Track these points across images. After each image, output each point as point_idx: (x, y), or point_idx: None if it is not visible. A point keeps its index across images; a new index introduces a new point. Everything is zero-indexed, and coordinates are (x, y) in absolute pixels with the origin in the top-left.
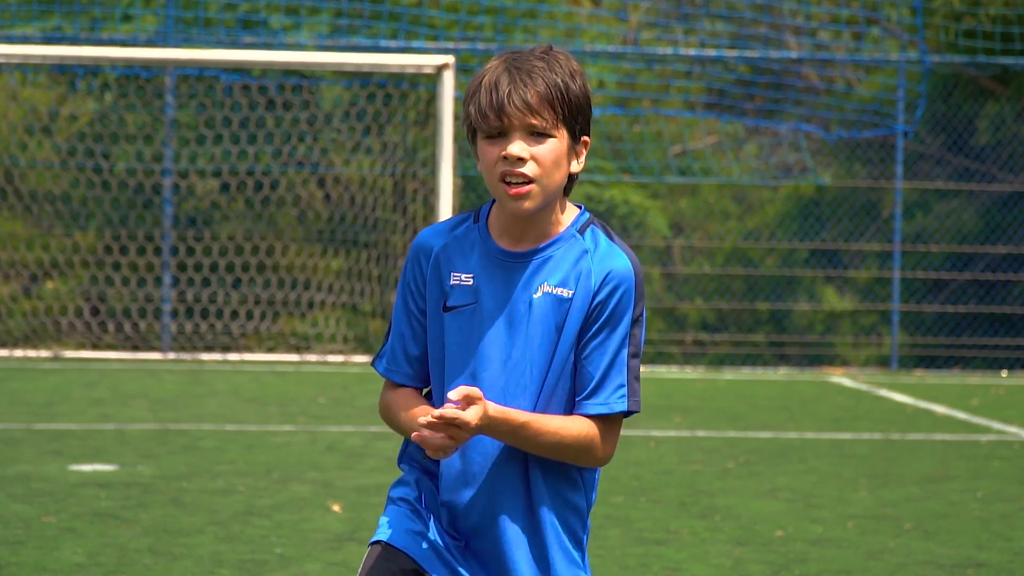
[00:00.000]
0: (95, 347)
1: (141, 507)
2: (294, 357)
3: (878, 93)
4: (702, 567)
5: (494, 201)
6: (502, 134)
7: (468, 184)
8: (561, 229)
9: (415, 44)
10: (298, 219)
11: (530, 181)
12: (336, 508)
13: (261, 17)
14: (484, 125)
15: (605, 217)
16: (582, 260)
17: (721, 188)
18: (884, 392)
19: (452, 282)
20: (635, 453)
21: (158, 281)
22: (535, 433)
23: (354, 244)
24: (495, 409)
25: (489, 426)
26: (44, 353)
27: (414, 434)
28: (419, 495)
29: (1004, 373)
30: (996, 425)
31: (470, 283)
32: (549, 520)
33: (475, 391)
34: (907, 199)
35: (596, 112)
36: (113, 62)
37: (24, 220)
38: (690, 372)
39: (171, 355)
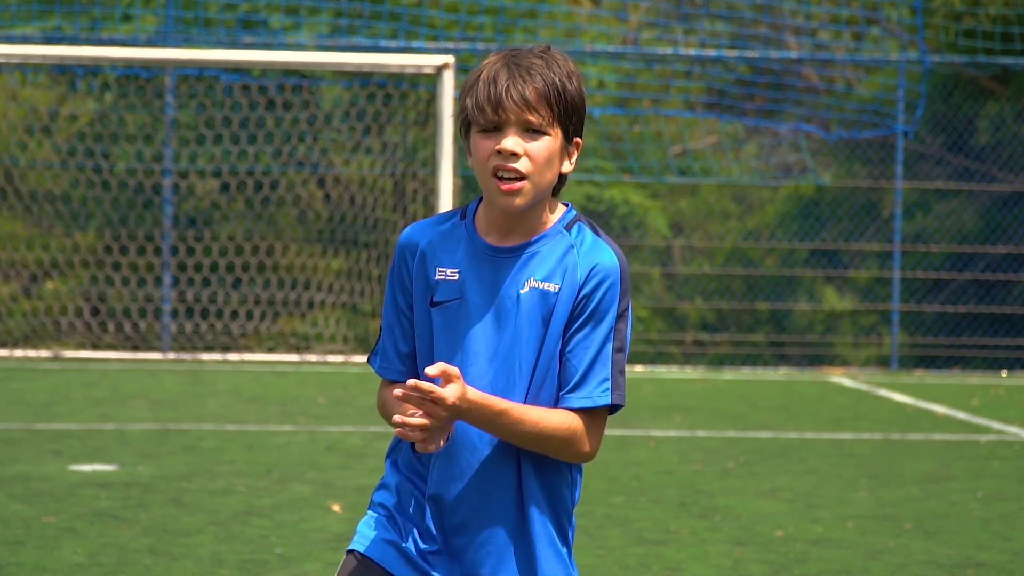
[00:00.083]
0: (95, 347)
1: (141, 507)
2: (294, 357)
3: (878, 93)
4: (702, 567)
5: (481, 199)
6: (497, 128)
7: (468, 184)
8: (548, 226)
9: (415, 44)
10: (298, 219)
11: (522, 177)
12: (336, 508)
13: (261, 17)
14: (480, 118)
15: (605, 217)
16: (568, 255)
17: (721, 188)
18: (884, 392)
19: (438, 277)
20: (635, 453)
21: (158, 281)
22: (515, 421)
23: (354, 244)
24: (475, 394)
25: (468, 410)
26: (44, 353)
27: (396, 430)
28: (397, 501)
29: (1004, 373)
30: (996, 425)
31: (456, 278)
32: (538, 517)
33: (454, 369)
34: (907, 199)
35: (596, 112)
36: (113, 62)
37: (24, 220)
38: (690, 372)
39: (171, 355)
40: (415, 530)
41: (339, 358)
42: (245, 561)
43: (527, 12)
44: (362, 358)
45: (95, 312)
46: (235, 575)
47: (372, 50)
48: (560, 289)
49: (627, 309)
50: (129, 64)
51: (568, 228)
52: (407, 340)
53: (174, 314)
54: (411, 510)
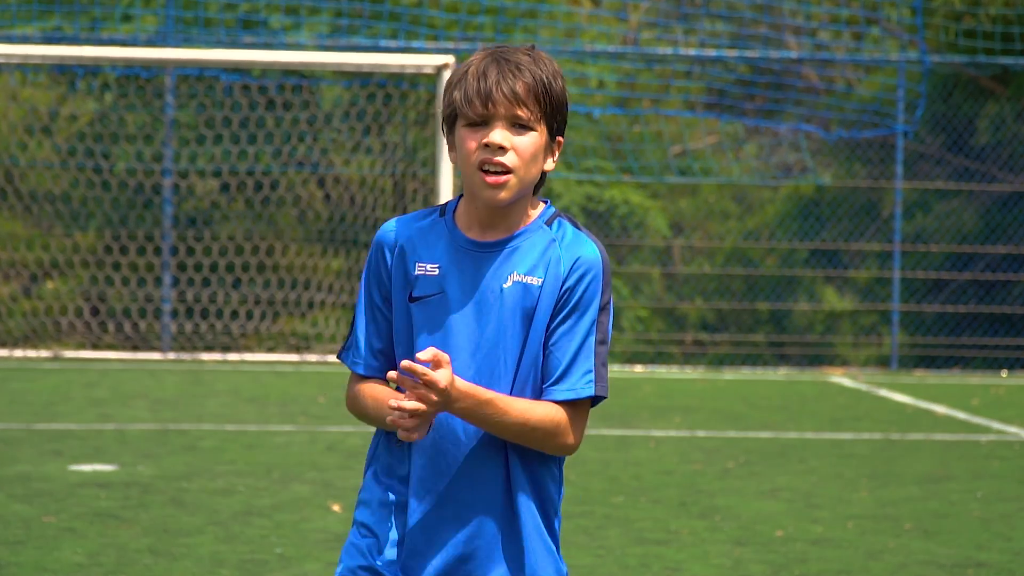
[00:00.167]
0: (95, 347)
1: (141, 507)
2: (294, 357)
3: (878, 93)
4: (702, 567)
5: (460, 197)
6: (485, 122)
7: None
8: (529, 221)
9: (415, 44)
10: (298, 219)
11: (508, 171)
12: (336, 508)
13: (261, 17)
14: (469, 111)
15: (605, 217)
16: (550, 248)
17: (721, 188)
18: (884, 392)
19: (417, 272)
20: (635, 453)
21: (158, 281)
22: (501, 412)
23: (354, 244)
24: (461, 383)
25: (457, 398)
26: (44, 353)
27: (388, 417)
28: (377, 517)
29: (1004, 373)
30: (996, 425)
31: (436, 273)
32: (527, 509)
33: (444, 355)
34: (907, 199)
35: (596, 112)
36: (113, 62)
37: (24, 220)
38: (690, 372)
39: (171, 355)
40: (394, 541)
41: None
42: (245, 561)
43: (527, 12)
44: None
45: (95, 312)
46: (235, 575)
47: (372, 50)
48: (543, 282)
49: (609, 302)
50: (129, 64)
51: (549, 223)
52: (381, 336)
53: (174, 314)
54: (391, 521)
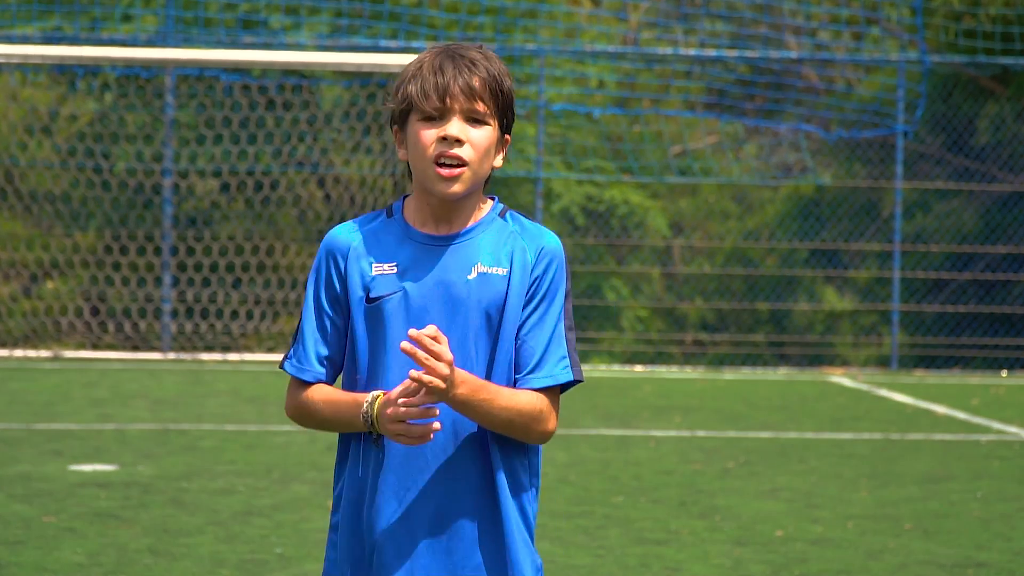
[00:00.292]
0: (95, 347)
1: (141, 507)
2: None
3: (878, 93)
4: (702, 567)
5: (405, 197)
6: (441, 116)
7: None
8: (482, 215)
9: (415, 44)
10: (298, 219)
11: (463, 164)
12: None
13: (261, 17)
14: (426, 105)
15: (605, 217)
16: (511, 239)
17: (721, 188)
18: (884, 392)
19: (374, 273)
20: (635, 453)
21: (158, 281)
22: (492, 397)
23: None
24: (457, 369)
25: (458, 381)
26: (44, 353)
27: (390, 409)
28: (344, 539)
29: (1004, 373)
30: (996, 425)
31: (394, 272)
32: (508, 501)
33: (443, 336)
34: (907, 199)
35: (596, 112)
36: (113, 62)
37: (24, 220)
38: (690, 372)
39: (171, 355)
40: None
41: None
42: (245, 561)
43: (527, 12)
44: None
45: (95, 312)
46: (235, 575)
47: (372, 50)
48: (510, 273)
49: (569, 290)
50: (129, 64)
51: (502, 216)
52: (327, 344)
53: (174, 314)
54: (362, 538)
